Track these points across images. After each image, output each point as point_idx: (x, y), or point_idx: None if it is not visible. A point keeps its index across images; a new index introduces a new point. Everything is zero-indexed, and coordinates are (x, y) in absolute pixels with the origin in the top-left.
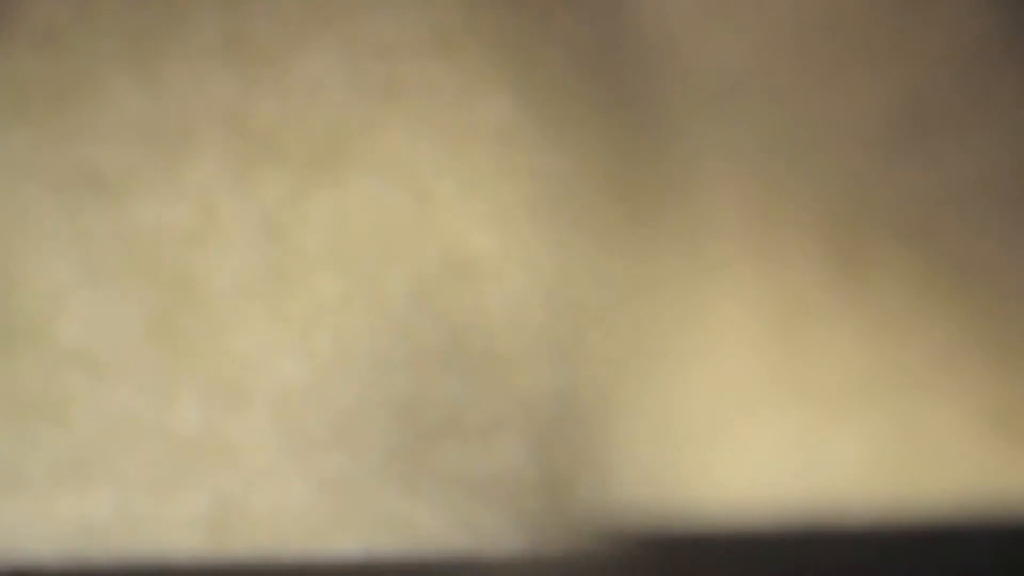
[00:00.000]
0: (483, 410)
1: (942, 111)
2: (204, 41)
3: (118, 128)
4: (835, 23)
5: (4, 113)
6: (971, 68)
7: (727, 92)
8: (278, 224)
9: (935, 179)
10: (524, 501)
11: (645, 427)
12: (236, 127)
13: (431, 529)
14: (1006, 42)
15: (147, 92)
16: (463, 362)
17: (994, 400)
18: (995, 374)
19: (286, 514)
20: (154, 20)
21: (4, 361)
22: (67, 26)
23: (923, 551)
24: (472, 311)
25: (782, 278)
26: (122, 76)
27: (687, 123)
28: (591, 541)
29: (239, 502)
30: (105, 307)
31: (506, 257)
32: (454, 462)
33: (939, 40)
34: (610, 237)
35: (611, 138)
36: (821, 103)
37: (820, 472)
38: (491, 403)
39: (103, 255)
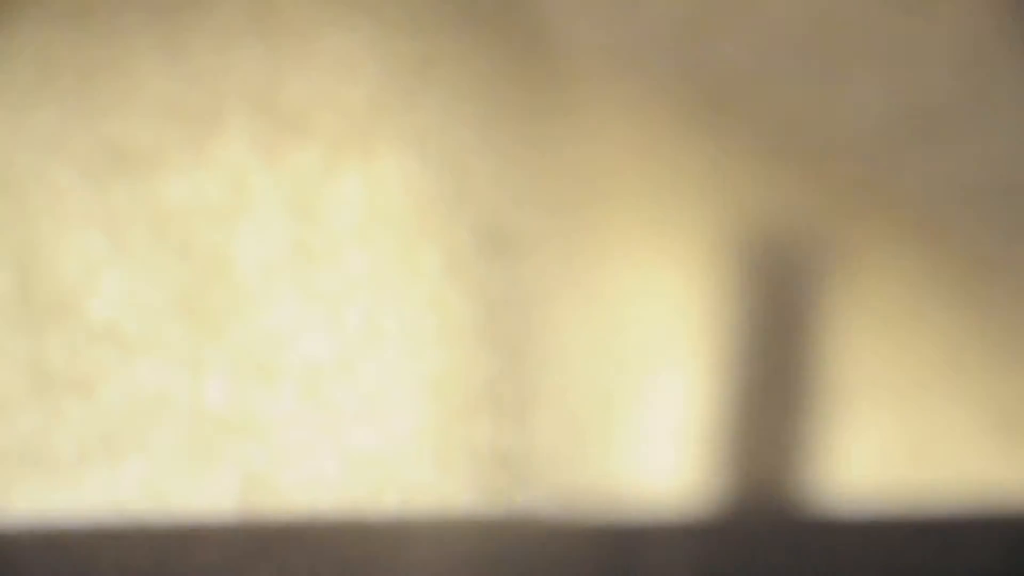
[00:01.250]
0: (516, 386)
1: (942, 111)
2: (233, 16)
3: (147, 105)
4: (835, 23)
5: (32, 90)
6: (971, 68)
7: (728, 92)
8: (308, 200)
9: (936, 179)
10: (557, 476)
11: (675, 405)
12: (266, 103)
13: (462, 505)
14: (1006, 42)
15: (176, 68)
16: (496, 338)
17: (997, 399)
18: (998, 373)
19: (315, 490)
20: None
21: (33, 337)
22: (95, 2)
23: (925, 546)
24: (505, 286)
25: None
26: (150, 52)
27: (689, 122)
28: (622, 515)
29: (268, 478)
30: (134, 284)
31: (539, 232)
32: (487, 438)
33: (939, 40)
34: (639, 216)
35: (629, 133)
36: (821, 103)
37: (823, 468)
38: (524, 379)
39: (132, 232)
